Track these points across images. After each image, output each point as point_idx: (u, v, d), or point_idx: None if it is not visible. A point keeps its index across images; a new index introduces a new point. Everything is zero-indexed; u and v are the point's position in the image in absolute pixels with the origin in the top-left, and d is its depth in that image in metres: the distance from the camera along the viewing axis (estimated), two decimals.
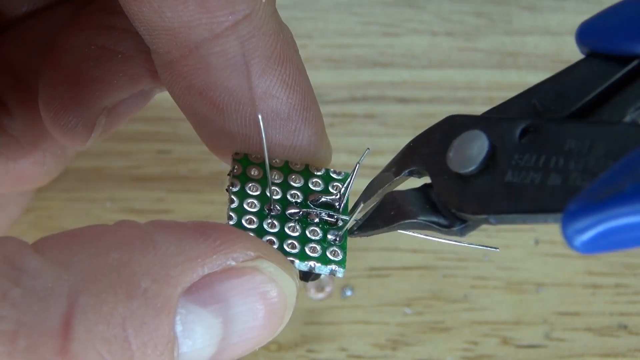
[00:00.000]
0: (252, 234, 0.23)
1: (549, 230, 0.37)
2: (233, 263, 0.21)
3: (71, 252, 0.19)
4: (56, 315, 0.18)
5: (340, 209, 0.25)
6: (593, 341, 0.35)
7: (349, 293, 0.36)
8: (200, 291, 0.20)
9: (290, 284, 0.22)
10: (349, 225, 0.24)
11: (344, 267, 0.24)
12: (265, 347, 0.35)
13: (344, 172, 0.25)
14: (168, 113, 0.37)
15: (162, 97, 0.37)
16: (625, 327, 0.36)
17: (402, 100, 0.37)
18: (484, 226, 0.36)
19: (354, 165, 0.24)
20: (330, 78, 0.38)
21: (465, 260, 0.36)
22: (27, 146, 0.30)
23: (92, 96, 0.27)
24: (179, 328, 0.20)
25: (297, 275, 0.23)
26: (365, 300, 0.36)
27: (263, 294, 0.21)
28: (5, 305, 0.18)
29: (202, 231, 0.21)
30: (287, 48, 0.24)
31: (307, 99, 0.25)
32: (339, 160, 0.36)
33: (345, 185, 0.25)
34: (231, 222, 0.24)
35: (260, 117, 0.23)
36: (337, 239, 0.24)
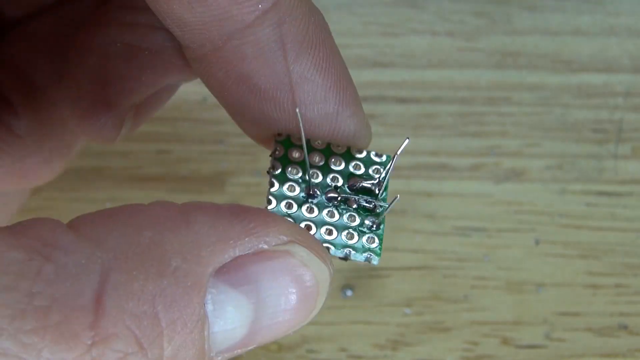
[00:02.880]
0: (288, 219, 0.23)
1: (549, 230, 0.37)
2: (265, 246, 0.21)
3: (105, 230, 0.20)
4: (89, 291, 0.19)
5: (380, 195, 0.24)
6: (593, 341, 0.35)
7: (349, 293, 0.36)
8: (232, 272, 0.21)
9: (323, 270, 0.22)
10: (386, 212, 0.24)
11: (379, 255, 0.24)
12: (265, 347, 0.35)
13: (386, 155, 0.25)
14: (168, 113, 0.37)
15: None
16: (625, 327, 0.36)
17: (402, 101, 0.37)
18: (484, 226, 0.36)
19: (394, 153, 0.24)
20: None
21: (465, 260, 0.36)
22: (33, 145, 0.30)
23: (121, 94, 0.27)
24: (209, 307, 0.20)
25: (331, 262, 0.23)
26: (365, 300, 0.36)
27: (295, 278, 0.22)
28: (40, 281, 0.18)
29: (237, 214, 0.21)
30: (319, 31, 0.25)
31: (343, 80, 0.25)
32: None
33: (384, 171, 0.24)
34: (270, 207, 0.24)
35: (298, 110, 0.24)
36: (374, 225, 0.24)
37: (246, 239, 0.21)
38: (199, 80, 0.26)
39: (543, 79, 0.38)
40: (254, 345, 0.22)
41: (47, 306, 0.18)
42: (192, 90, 0.36)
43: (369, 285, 0.36)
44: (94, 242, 0.19)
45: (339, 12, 0.38)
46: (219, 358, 0.21)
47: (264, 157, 0.37)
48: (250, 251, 0.21)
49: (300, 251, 0.22)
